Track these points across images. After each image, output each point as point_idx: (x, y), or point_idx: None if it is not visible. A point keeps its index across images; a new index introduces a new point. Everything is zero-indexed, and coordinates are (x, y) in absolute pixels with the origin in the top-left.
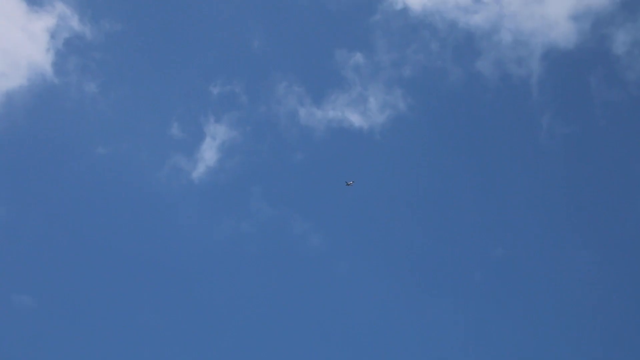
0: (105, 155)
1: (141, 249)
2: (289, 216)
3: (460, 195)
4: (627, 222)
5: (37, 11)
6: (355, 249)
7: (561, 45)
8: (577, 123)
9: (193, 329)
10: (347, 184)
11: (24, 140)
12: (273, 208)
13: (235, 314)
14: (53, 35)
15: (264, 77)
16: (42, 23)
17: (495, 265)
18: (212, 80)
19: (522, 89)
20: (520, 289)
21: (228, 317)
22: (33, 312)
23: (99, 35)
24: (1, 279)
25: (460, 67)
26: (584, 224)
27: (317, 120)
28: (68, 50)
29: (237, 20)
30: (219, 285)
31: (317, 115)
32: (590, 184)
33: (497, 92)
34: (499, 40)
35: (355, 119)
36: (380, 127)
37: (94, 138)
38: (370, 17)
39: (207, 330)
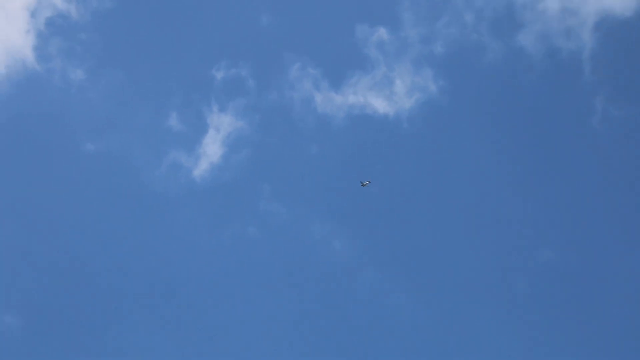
0: (94, 152)
1: (135, 258)
2: (306, 218)
3: (501, 191)
4: None
5: None
6: (384, 255)
7: (617, 12)
8: (636, 105)
9: (190, 349)
10: (363, 185)
11: (1, 136)
12: (286, 209)
13: (243, 335)
14: (33, 14)
15: (275, 59)
16: (21, 0)
17: (541, 271)
18: (215, 63)
19: (572, 65)
20: (572, 299)
21: (234, 339)
22: (18, 331)
23: (85, 13)
24: None
25: (499, 42)
26: None
27: (335, 107)
28: (50, 31)
29: None
30: (223, 300)
31: (336, 101)
32: None
33: (543, 71)
34: (544, 9)
35: (379, 104)
36: (408, 113)
37: (81, 132)
38: None
39: (206, 352)
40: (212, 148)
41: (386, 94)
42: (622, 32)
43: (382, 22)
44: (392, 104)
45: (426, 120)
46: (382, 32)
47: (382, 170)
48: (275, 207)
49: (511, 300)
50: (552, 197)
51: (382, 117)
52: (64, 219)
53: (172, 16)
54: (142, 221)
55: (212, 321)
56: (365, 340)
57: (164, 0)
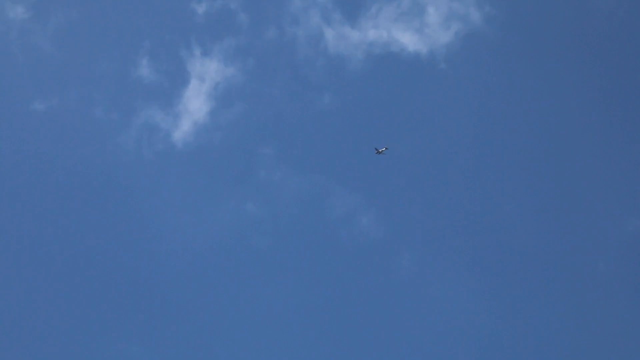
0: (44, 112)
1: (104, 247)
2: (322, 189)
3: (568, 149)
4: None
5: None
6: (421, 234)
7: None
8: None
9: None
10: (378, 152)
11: None
12: (295, 179)
13: (241, 332)
14: None
15: None
16: None
17: (628, 245)
18: None
19: None
20: None
21: (232, 336)
22: None
23: None
24: None
25: None
26: None
27: (351, 45)
28: None
29: None
30: (219, 296)
31: (352, 38)
32: None
33: None
34: None
35: (407, 39)
36: (445, 50)
37: (27, 88)
38: None
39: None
40: (195, 103)
41: (416, 26)
42: None
43: None
44: (425, 39)
45: (469, 58)
46: None
47: (413, 125)
48: (280, 176)
49: (589, 284)
50: (632, 156)
51: (412, 56)
52: (9, 200)
53: None
54: (109, 198)
55: (205, 321)
56: (406, 336)
57: None
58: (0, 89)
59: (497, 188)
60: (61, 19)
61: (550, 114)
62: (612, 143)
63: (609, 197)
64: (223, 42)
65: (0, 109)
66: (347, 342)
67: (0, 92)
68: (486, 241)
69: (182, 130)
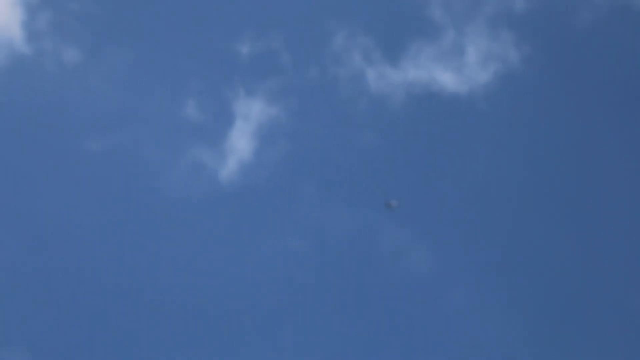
0: (97, 151)
1: (153, 281)
2: (366, 225)
3: (609, 188)
4: None
5: None
6: (475, 268)
7: None
8: None
9: None
10: (388, 206)
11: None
12: (340, 214)
13: None
14: None
15: (314, 26)
16: None
17: None
18: (239, 35)
19: None
20: None
21: None
22: None
23: None
24: None
25: None
26: None
27: (393, 85)
28: (41, 2)
29: None
30: (263, 332)
31: (393, 78)
32: None
33: None
34: None
35: (447, 79)
36: (483, 89)
37: (81, 128)
38: None
39: None
40: (240, 142)
41: (455, 66)
42: None
43: None
44: (464, 78)
45: (507, 98)
46: None
47: (454, 162)
48: (325, 213)
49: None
50: None
51: (452, 96)
52: (66, 234)
53: None
54: (158, 234)
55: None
56: None
57: None
58: (57, 129)
59: (540, 227)
60: (110, 62)
61: (589, 153)
62: None
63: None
64: (266, 82)
65: (58, 147)
66: None
67: (57, 132)
68: (532, 278)
69: (228, 168)
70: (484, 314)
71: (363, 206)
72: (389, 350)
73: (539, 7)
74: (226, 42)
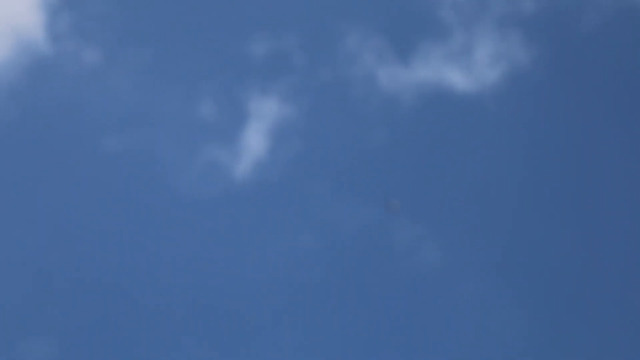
0: (116, 149)
1: (170, 276)
2: (379, 220)
3: (618, 186)
4: None
5: None
6: (486, 263)
7: None
8: None
9: None
10: (389, 207)
11: (8, 134)
12: (353, 211)
13: None
14: None
15: (326, 27)
16: None
17: None
18: (253, 36)
19: None
20: None
21: None
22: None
23: None
24: None
25: None
26: None
27: (403, 84)
28: (61, 3)
29: None
30: (277, 328)
31: (403, 77)
32: None
33: None
34: None
35: (456, 78)
36: (492, 88)
37: (100, 128)
38: None
39: None
40: (254, 141)
41: (464, 65)
42: None
43: None
44: (473, 78)
45: (516, 98)
46: None
47: (464, 159)
48: (338, 210)
49: None
50: None
51: (461, 95)
52: (83, 231)
53: None
54: (173, 231)
55: (263, 355)
56: None
57: None
58: (77, 129)
59: (550, 224)
60: (128, 62)
61: (598, 153)
62: None
63: None
64: (280, 82)
65: (77, 147)
66: None
67: (77, 132)
68: (544, 274)
69: (242, 167)
70: (497, 310)
71: (375, 203)
72: (401, 345)
73: (548, 8)
74: (240, 42)
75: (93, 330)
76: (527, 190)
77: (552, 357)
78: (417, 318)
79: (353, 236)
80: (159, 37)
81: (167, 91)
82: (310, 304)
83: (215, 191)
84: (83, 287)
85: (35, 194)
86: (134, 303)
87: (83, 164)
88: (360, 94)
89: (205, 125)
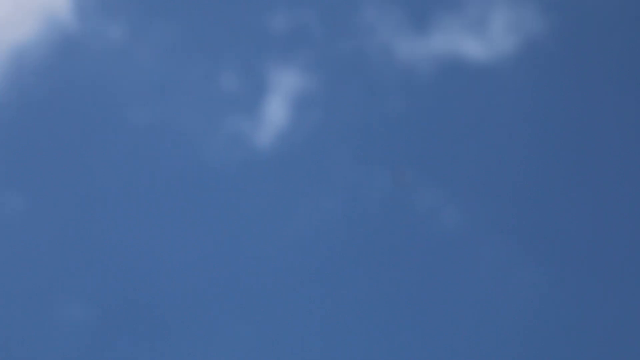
0: (143, 123)
1: (200, 246)
2: (400, 184)
3: (632, 159)
4: None
5: None
6: (506, 226)
7: None
8: None
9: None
10: (397, 177)
11: (38, 109)
12: (373, 177)
13: (325, 330)
14: None
15: (344, 0)
16: None
17: None
18: (272, 9)
19: None
20: None
21: (318, 333)
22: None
23: None
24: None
25: None
26: None
27: (420, 54)
28: None
29: None
30: (303, 295)
31: (420, 47)
32: None
33: None
34: None
35: (472, 48)
36: (507, 58)
37: (127, 103)
38: None
39: None
40: (275, 111)
41: (480, 34)
42: None
43: None
44: (487, 47)
45: (531, 66)
46: None
47: (480, 125)
48: (359, 176)
49: None
50: None
51: (475, 64)
52: (108, 201)
53: None
54: (202, 198)
55: (289, 323)
56: (489, 332)
57: None
58: (104, 105)
59: (565, 187)
60: (149, 38)
61: (616, 123)
62: None
63: None
64: (299, 53)
65: (101, 122)
66: (428, 338)
67: (104, 108)
68: (563, 236)
69: (264, 136)
70: (518, 271)
71: (395, 169)
72: (423, 309)
73: None
74: (260, 15)
75: (126, 296)
76: (544, 155)
77: (573, 316)
78: (439, 282)
79: (374, 201)
80: (182, 12)
81: (190, 64)
82: (334, 269)
83: (239, 160)
84: (114, 254)
85: (66, 168)
86: (161, 270)
87: (111, 138)
88: (378, 65)
89: (227, 97)
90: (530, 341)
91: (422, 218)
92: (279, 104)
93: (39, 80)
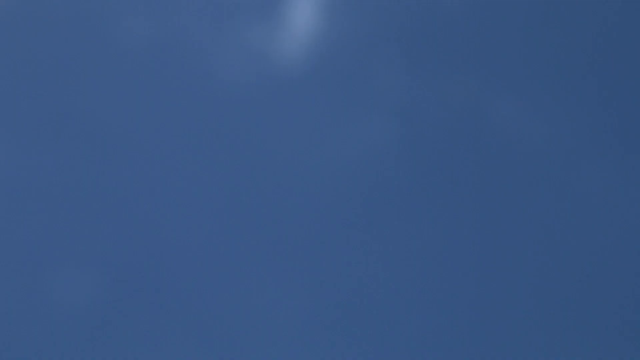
0: (137, 32)
1: (213, 181)
2: (466, 96)
3: None
4: None
5: None
6: (592, 137)
7: None
8: None
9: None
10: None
11: (27, 18)
12: (433, 89)
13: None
14: None
15: None
16: None
17: None
18: None
19: None
20: None
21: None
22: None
23: None
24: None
25: None
26: None
27: None
28: None
29: None
30: (346, 236)
31: None
32: None
33: None
34: None
35: None
36: None
37: (124, 8)
38: None
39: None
40: (301, 13)
41: None
42: None
43: None
44: None
45: None
46: None
47: (558, 32)
48: (413, 89)
49: None
50: None
51: None
52: (117, 122)
53: None
54: (221, 124)
55: (341, 261)
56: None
57: None
58: (93, 9)
59: None
60: None
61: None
62: None
63: None
64: None
65: (95, 32)
66: (514, 278)
67: (93, 14)
68: None
69: (289, 44)
70: (616, 188)
71: (457, 79)
72: (505, 238)
73: None
74: None
75: (132, 259)
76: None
77: None
78: (527, 214)
79: (436, 118)
80: None
81: None
82: (394, 203)
83: (259, 75)
84: (116, 203)
85: (56, 91)
86: (169, 221)
87: (108, 52)
88: None
89: (244, 4)
90: None
91: (498, 133)
92: (306, 5)
93: None
